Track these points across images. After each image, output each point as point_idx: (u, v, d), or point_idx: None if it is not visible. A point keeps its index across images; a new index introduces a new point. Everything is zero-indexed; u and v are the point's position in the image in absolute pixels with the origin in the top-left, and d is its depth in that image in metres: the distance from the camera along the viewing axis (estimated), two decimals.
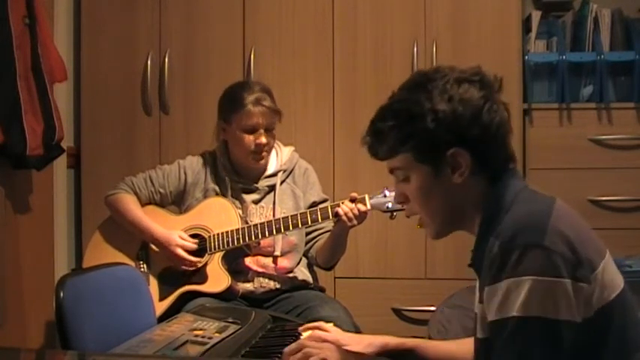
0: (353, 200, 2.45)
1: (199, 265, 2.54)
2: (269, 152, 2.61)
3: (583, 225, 1.34)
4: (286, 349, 1.55)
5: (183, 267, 2.54)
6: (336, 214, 2.45)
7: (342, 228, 2.50)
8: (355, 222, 2.45)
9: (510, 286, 1.24)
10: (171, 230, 2.56)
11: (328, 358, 1.52)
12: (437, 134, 1.36)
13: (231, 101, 2.58)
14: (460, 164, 1.37)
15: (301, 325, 2.00)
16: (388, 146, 1.42)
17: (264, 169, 2.67)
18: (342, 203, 2.46)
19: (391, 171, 1.46)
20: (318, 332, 1.70)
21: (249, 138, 2.55)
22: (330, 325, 1.90)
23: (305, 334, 1.78)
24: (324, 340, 1.64)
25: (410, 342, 1.62)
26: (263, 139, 2.54)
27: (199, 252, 2.56)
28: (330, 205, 2.49)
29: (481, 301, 1.34)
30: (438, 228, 1.46)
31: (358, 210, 2.43)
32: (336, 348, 1.59)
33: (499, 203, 1.36)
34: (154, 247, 2.60)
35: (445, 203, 1.41)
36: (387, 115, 1.42)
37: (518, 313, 1.22)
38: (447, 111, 1.35)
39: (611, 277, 1.31)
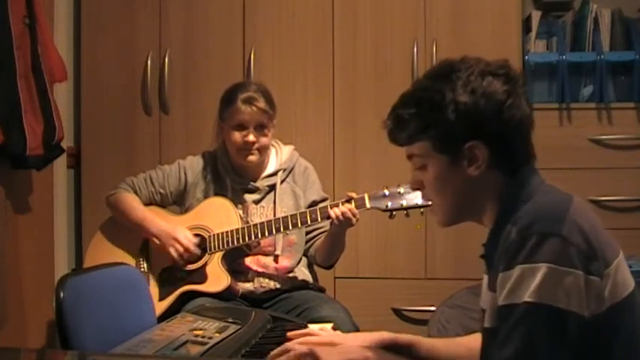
0: (349, 200, 2.46)
1: (200, 260, 2.54)
2: (262, 152, 2.61)
3: (598, 223, 1.35)
4: (271, 354, 1.55)
5: (184, 259, 2.53)
6: (328, 217, 2.45)
7: (338, 229, 2.50)
8: (350, 223, 2.45)
9: (524, 272, 1.24)
10: (175, 225, 2.57)
11: (314, 351, 1.50)
12: (456, 126, 1.36)
13: (226, 100, 2.62)
14: (477, 157, 1.37)
15: (301, 325, 2.00)
16: (408, 133, 1.42)
17: (264, 169, 2.67)
18: (342, 204, 2.45)
19: (409, 157, 1.46)
20: (308, 337, 1.68)
21: (238, 135, 2.56)
22: (324, 326, 1.89)
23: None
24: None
25: (405, 338, 1.61)
26: (251, 137, 2.55)
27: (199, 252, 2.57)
28: (330, 205, 2.50)
29: (492, 290, 1.34)
30: (448, 217, 1.46)
31: (350, 211, 2.43)
32: (322, 343, 1.59)
33: (518, 196, 1.36)
34: (155, 243, 2.60)
35: (460, 194, 1.42)
36: (409, 103, 1.41)
37: (529, 298, 1.22)
38: (469, 103, 1.35)
39: (624, 276, 1.31)
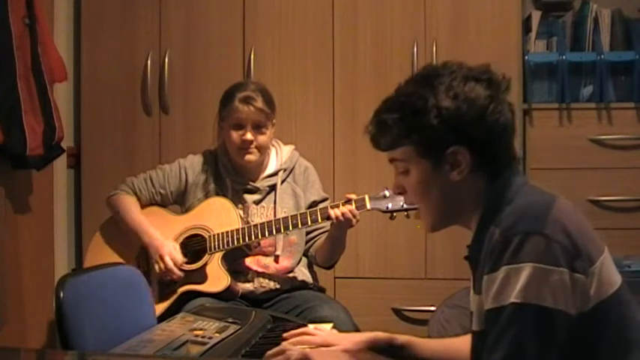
0: (350, 201, 2.46)
1: (200, 261, 2.54)
2: (261, 152, 2.61)
3: (583, 221, 1.35)
4: (268, 353, 1.55)
5: (166, 276, 2.54)
6: (329, 218, 2.45)
7: (338, 230, 2.50)
8: (351, 224, 2.45)
9: (509, 272, 1.24)
10: (167, 240, 2.57)
11: (310, 356, 1.51)
12: (439, 131, 1.36)
13: (225, 99, 2.62)
14: (460, 163, 1.37)
15: (301, 325, 2.00)
16: (390, 138, 1.42)
17: (264, 169, 2.67)
18: (342, 204, 2.45)
19: (391, 161, 1.47)
20: (305, 337, 1.69)
21: (236, 134, 2.57)
22: (320, 326, 1.90)
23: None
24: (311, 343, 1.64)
25: (400, 338, 1.62)
26: (248, 136, 2.55)
27: (199, 253, 2.57)
28: (330, 205, 2.50)
29: (478, 292, 1.34)
30: (434, 221, 1.46)
31: (351, 212, 2.43)
32: (317, 344, 1.60)
33: (501, 197, 1.37)
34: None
35: (443, 198, 1.42)
36: (392, 107, 1.42)
37: (515, 299, 1.23)
38: (451, 108, 1.35)
39: (609, 274, 1.31)
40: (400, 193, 1.49)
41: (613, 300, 1.29)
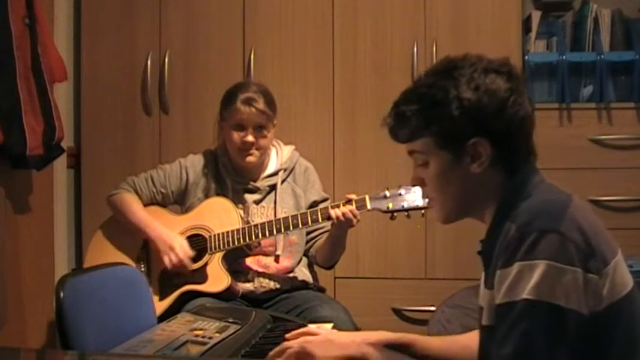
0: (350, 202, 2.46)
1: (200, 260, 2.54)
2: (262, 152, 2.61)
3: (597, 221, 1.35)
4: (270, 353, 1.55)
5: (178, 269, 2.54)
6: (329, 218, 2.45)
7: (339, 230, 2.50)
8: (351, 224, 2.45)
9: (523, 268, 1.24)
10: (174, 233, 2.57)
11: (311, 348, 1.50)
12: (460, 122, 1.36)
13: (226, 99, 2.62)
14: (480, 154, 1.37)
15: (302, 325, 2.00)
16: (410, 130, 1.41)
17: (264, 169, 2.67)
18: (343, 205, 2.45)
19: (410, 153, 1.46)
20: (307, 337, 1.69)
21: (237, 135, 2.57)
22: (322, 326, 1.89)
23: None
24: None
25: (405, 337, 1.62)
26: (249, 138, 2.55)
27: (199, 253, 2.57)
28: (330, 205, 2.50)
29: (490, 287, 1.33)
30: (449, 214, 1.46)
31: (351, 212, 2.43)
32: (321, 341, 1.60)
33: (518, 193, 1.36)
34: (154, 245, 2.60)
35: (461, 191, 1.41)
36: (412, 99, 1.41)
37: (527, 296, 1.22)
38: (473, 100, 1.35)
39: (622, 275, 1.31)
40: (419, 185, 1.48)
41: (625, 302, 1.28)
